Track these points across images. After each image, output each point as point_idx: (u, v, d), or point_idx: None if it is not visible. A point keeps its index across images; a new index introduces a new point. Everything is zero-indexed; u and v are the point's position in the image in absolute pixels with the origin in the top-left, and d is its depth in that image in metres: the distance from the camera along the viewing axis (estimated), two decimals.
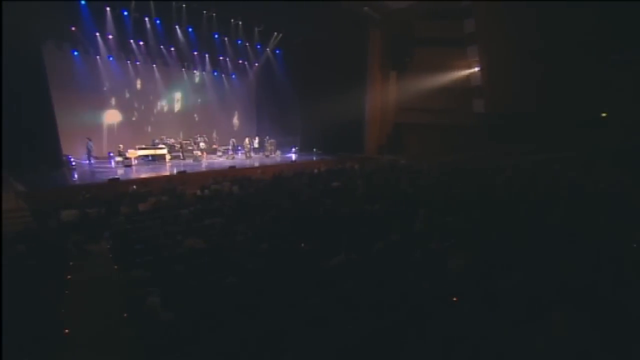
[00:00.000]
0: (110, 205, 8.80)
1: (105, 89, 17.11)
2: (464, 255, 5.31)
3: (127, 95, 18.01)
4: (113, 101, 17.51)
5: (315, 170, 13.84)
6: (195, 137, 18.94)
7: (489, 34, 16.35)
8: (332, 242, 6.08)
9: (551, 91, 14.59)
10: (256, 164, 15.78)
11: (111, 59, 16.91)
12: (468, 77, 17.63)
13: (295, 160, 17.45)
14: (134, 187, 10.56)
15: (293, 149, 20.60)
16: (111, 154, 15.89)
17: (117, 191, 10.14)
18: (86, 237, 7.21)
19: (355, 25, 18.17)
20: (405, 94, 18.86)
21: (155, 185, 11.09)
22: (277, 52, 20.81)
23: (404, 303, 4.18)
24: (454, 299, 4.57)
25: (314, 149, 20.30)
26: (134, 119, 18.37)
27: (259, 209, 8.80)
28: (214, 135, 19.74)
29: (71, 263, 6.35)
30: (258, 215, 8.28)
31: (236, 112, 21.90)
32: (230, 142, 18.91)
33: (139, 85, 18.30)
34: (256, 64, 21.18)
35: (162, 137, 18.06)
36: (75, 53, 15.91)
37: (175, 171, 13.39)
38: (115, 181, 11.32)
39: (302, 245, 5.96)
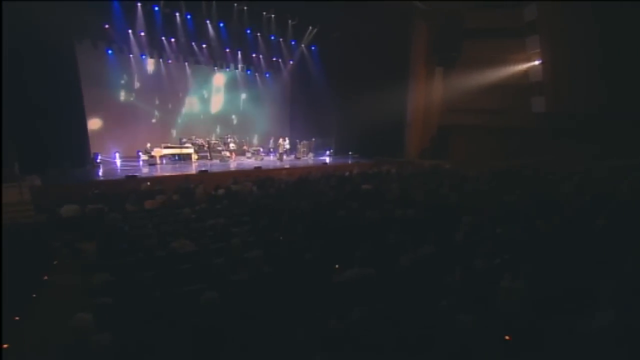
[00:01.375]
0: (116, 202, 8.32)
1: (137, 87, 17.27)
2: (523, 278, 4.00)
3: (159, 93, 18.06)
4: (145, 99, 17.61)
5: (347, 173, 12.93)
6: (226, 137, 18.65)
7: (553, 22, 14.52)
8: (348, 252, 4.98)
9: (624, 87, 12.53)
10: (286, 166, 15.20)
11: (144, 57, 17.03)
12: (526, 72, 15.78)
13: (327, 163, 16.52)
14: (148, 184, 10.15)
15: (327, 152, 19.88)
16: (140, 153, 15.89)
17: (129, 188, 9.75)
18: (81, 235, 6.62)
19: (398, 17, 17.00)
20: (452, 92, 17.30)
21: (171, 183, 10.67)
22: (313, 48, 20.14)
23: (433, 344, 3.00)
24: (507, 337, 3.33)
25: (350, 152, 19.39)
26: (164, 117, 18.38)
27: (272, 211, 7.93)
28: (246, 136, 19.33)
29: (55, 262, 5.77)
30: (269, 217, 7.40)
31: (269, 113, 21.40)
32: (261, 143, 18.44)
33: (171, 84, 18.27)
34: (291, 62, 20.58)
35: (192, 136, 17.92)
36: (110, 51, 16.14)
37: (196, 170, 12.93)
38: (131, 178, 11.06)
39: (307, 254, 4.90)
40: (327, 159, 18.58)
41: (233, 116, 20.42)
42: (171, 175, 12.13)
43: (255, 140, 20.54)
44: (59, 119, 13.08)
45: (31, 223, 7.12)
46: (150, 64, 17.40)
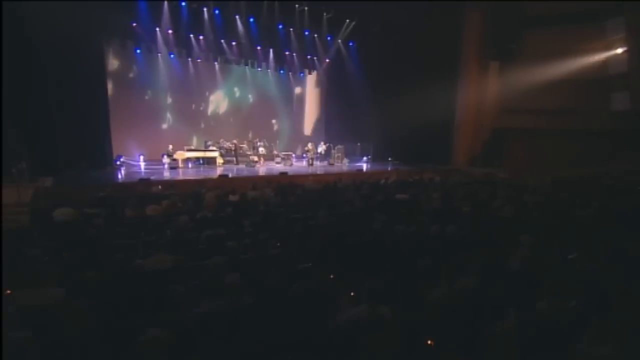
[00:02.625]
0: (119, 206, 7.84)
1: (165, 87, 17.31)
2: (613, 335, 2.73)
3: (187, 94, 18.01)
4: (172, 100, 17.63)
5: (382, 181, 11.85)
6: (255, 141, 18.30)
7: None
8: (358, 279, 3.94)
9: None
10: (315, 172, 14.54)
11: (172, 56, 17.04)
12: (604, 63, 13.81)
13: (361, 170, 15.50)
14: (159, 187, 9.72)
15: (364, 158, 18.94)
16: (164, 155, 15.76)
17: (139, 192, 9.35)
18: (63, 243, 6.07)
19: (446, 6, 15.71)
20: (509, 90, 15.68)
21: (184, 188, 10.22)
22: (350, 44, 19.29)
23: None
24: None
25: (389, 158, 18.26)
26: (192, 119, 18.33)
27: (284, 221, 7.05)
28: (276, 140, 18.97)
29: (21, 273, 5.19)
30: (278, 228, 6.52)
31: (303, 115, 20.90)
32: (293, 148, 17.85)
33: (200, 84, 18.23)
34: (327, 60, 19.88)
35: (220, 140, 17.64)
36: (138, 50, 16.28)
37: (217, 175, 12.47)
38: (144, 181, 10.73)
39: (303, 282, 3.90)
40: (364, 166, 17.69)
41: (264, 119, 20.06)
42: (186, 180, 11.80)
43: (287, 145, 19.91)
44: (82, 119, 13.24)
45: (19, 227, 6.71)
46: (178, 63, 17.37)
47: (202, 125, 18.56)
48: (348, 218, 7.05)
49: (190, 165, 15.27)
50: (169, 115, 17.55)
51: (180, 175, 13.13)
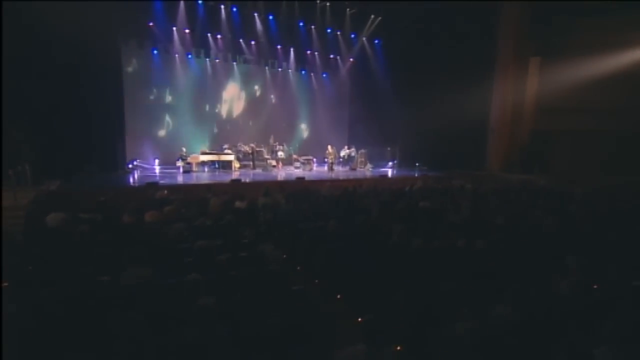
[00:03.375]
0: (118, 212, 7.53)
1: (182, 89, 17.14)
2: None
3: (205, 95, 17.83)
4: (190, 102, 17.44)
5: (407, 188, 11.11)
6: (275, 144, 17.91)
7: None
8: (363, 304, 3.30)
9: None
10: (336, 178, 14.05)
11: (190, 56, 16.93)
12: None
13: (386, 175, 14.83)
14: (165, 192, 9.40)
15: (390, 163, 18.36)
16: (179, 159, 15.61)
17: (143, 197, 9.06)
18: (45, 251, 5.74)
19: None
20: (552, 88, 14.59)
21: (192, 193, 9.84)
22: (376, 42, 18.74)
23: None
24: None
25: (417, 164, 17.59)
26: (210, 122, 18.11)
27: (291, 231, 6.50)
28: (296, 144, 18.67)
29: None
30: (281, 239, 5.98)
31: (326, 118, 20.27)
32: (314, 152, 17.39)
33: (218, 85, 18.03)
34: (350, 59, 19.39)
35: (238, 143, 17.36)
36: (155, 51, 16.27)
37: (230, 179, 12.16)
38: (151, 186, 10.46)
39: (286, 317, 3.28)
40: (389, 171, 17.05)
41: (285, 122, 19.67)
42: (195, 184, 11.50)
43: (308, 149, 19.43)
44: (96, 122, 13.17)
45: (7, 232, 6.44)
46: (196, 64, 17.21)
47: (220, 128, 18.31)
48: (361, 229, 6.39)
49: (206, 169, 15.07)
50: (186, 117, 17.35)
51: (192, 179, 12.85)
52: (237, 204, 8.67)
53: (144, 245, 5.36)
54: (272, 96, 19.30)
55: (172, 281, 3.93)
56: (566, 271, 4.05)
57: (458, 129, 15.54)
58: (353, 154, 17.70)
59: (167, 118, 16.92)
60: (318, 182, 12.21)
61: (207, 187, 10.32)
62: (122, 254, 4.72)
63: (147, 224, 6.90)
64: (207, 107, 17.98)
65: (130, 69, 15.43)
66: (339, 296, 4.84)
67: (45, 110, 11.77)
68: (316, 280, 5.58)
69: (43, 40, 11.49)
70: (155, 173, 14.29)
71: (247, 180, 12.43)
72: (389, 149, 18.54)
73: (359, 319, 4.08)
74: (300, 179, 12.80)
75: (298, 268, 6.24)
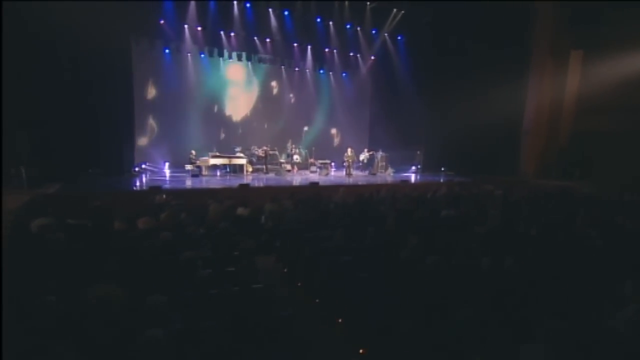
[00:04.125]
0: (106, 217, 7.20)
1: (195, 89, 17.07)
2: None
3: (218, 97, 17.72)
4: (202, 103, 17.34)
5: (429, 194, 10.45)
6: (291, 147, 17.59)
7: None
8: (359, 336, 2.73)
9: None
10: (353, 183, 13.67)
11: (203, 55, 16.83)
12: None
13: (407, 181, 14.21)
14: (164, 197, 9.11)
15: (413, 167, 17.94)
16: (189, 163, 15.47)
17: (137, 202, 8.80)
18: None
19: None
20: (596, 84, 13.60)
21: (194, 198, 9.52)
22: (399, 38, 18.14)
23: None
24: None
25: (442, 168, 17.24)
26: (223, 124, 17.97)
27: (291, 242, 6.00)
28: (313, 147, 18.17)
29: None
30: (278, 251, 5.47)
31: (345, 120, 19.87)
32: (333, 155, 17.18)
33: (232, 86, 17.88)
34: (371, 57, 18.87)
35: (252, 146, 17.07)
36: (167, 50, 16.20)
37: (238, 184, 11.86)
38: (154, 190, 10.23)
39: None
40: (412, 176, 16.47)
41: (302, 124, 19.37)
42: (199, 189, 11.29)
43: (326, 152, 18.95)
44: (104, 123, 13.18)
45: None
46: (209, 63, 17.10)
47: (234, 130, 18.12)
48: (371, 240, 5.80)
49: (218, 173, 14.92)
50: (198, 119, 17.21)
51: (201, 184, 12.59)
52: (240, 210, 8.27)
53: (122, 257, 4.95)
54: (288, 97, 19.08)
55: (133, 303, 3.45)
56: (621, 300, 3.34)
57: (488, 131, 15.04)
58: (373, 157, 17.18)
59: (179, 119, 16.76)
60: (332, 188, 11.70)
61: (211, 193, 10.02)
62: (92, 267, 4.31)
63: (137, 232, 6.53)
64: (221, 109, 17.87)
65: (141, 69, 15.35)
66: (339, 320, 4.30)
67: (51, 111, 11.78)
68: (317, 300, 5.05)
69: (49, 39, 11.50)
70: (163, 177, 14.17)
71: (257, 185, 12.18)
72: (415, 152, 18.11)
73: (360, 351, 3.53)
74: (314, 184, 12.34)
75: (299, 284, 5.74)
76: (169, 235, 5.59)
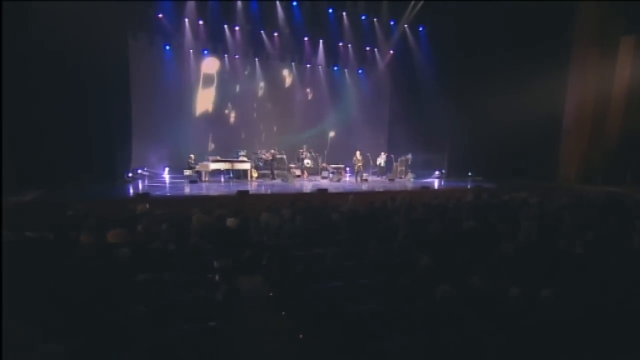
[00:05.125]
0: (75, 229, 6.66)
1: (199, 88, 16.81)
2: None
3: (223, 97, 17.37)
4: (206, 103, 17.06)
5: (452, 203, 9.60)
6: (301, 151, 17.10)
7: None
8: None
9: None
10: (363, 189, 13.04)
11: (206, 52, 16.52)
12: None
13: (428, 187, 13.45)
14: (147, 206, 8.54)
15: (436, 172, 17.34)
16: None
17: (118, 211, 8.25)
18: None
19: None
20: None
21: (184, 207, 8.96)
22: (420, 29, 17.48)
23: None
24: None
25: (469, 173, 16.76)
26: (229, 126, 17.61)
27: (279, 261, 5.26)
28: (325, 150, 17.61)
29: None
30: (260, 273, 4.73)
31: (362, 121, 19.25)
32: (348, 159, 16.49)
33: (237, 85, 17.52)
34: (390, 51, 18.27)
35: (259, 150, 16.67)
36: (167, 47, 15.91)
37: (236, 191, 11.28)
38: (142, 197, 9.80)
39: None
40: (435, 182, 15.81)
41: (314, 125, 18.83)
42: (191, 197, 10.80)
43: (341, 156, 18.29)
44: (97, 126, 12.85)
45: None
46: (213, 61, 16.82)
47: (239, 132, 17.72)
48: (372, 260, 4.98)
49: (222, 178, 14.52)
50: (201, 120, 16.93)
51: (197, 190, 12.14)
52: (230, 221, 7.62)
53: (59, 280, 4.29)
54: (299, 96, 18.64)
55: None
56: None
57: (522, 131, 14.52)
58: (392, 161, 16.58)
59: (180, 121, 16.42)
60: (341, 196, 10.99)
61: (203, 201, 9.43)
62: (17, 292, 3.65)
63: (102, 246, 5.92)
64: (225, 109, 17.52)
65: (139, 67, 14.93)
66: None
67: (40, 112, 11.41)
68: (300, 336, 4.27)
69: (38, 34, 11.11)
70: (160, 183, 13.79)
71: (257, 192, 11.69)
72: (438, 155, 17.59)
73: None
74: (322, 191, 11.69)
75: (283, 313, 4.97)
76: (126, 253, 4.91)
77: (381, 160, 16.33)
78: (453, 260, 4.62)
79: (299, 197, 10.37)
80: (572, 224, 6.83)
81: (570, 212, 7.61)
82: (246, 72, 17.55)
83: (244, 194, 10.89)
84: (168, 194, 10.98)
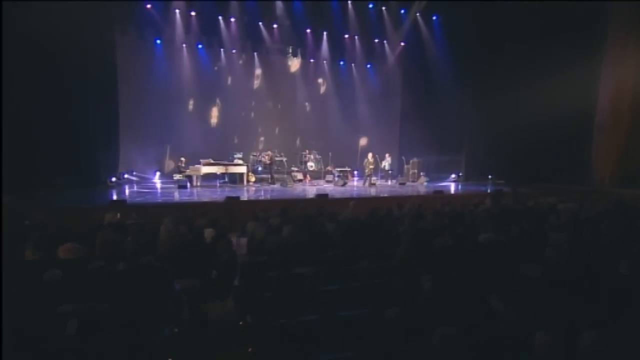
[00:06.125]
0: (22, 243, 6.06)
1: (193, 86, 16.40)
2: None
3: (220, 94, 17.01)
4: (201, 102, 16.73)
5: (468, 209, 8.92)
6: (304, 153, 16.77)
7: None
8: None
9: None
10: (376, 193, 12.73)
11: (200, 46, 16.18)
12: None
13: (442, 192, 12.79)
14: (118, 215, 8.00)
15: (452, 175, 17.16)
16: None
17: (84, 220, 7.63)
18: None
19: None
20: None
21: (161, 216, 8.21)
22: (434, 18, 17.04)
23: None
24: None
25: (490, 176, 16.59)
26: (227, 127, 17.20)
27: (247, 283, 4.56)
28: (330, 152, 17.12)
29: None
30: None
31: (371, 120, 18.84)
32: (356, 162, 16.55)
33: (235, 82, 17.12)
34: (401, 43, 17.85)
35: (258, 152, 16.36)
36: (158, 41, 15.56)
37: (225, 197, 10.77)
38: (116, 205, 9.24)
39: None
40: (451, 186, 15.51)
41: (319, 125, 18.42)
42: (170, 204, 10.24)
43: (348, 158, 18.01)
44: (81, 127, 12.54)
45: None
46: (208, 56, 16.45)
47: (236, 134, 17.29)
48: (362, 282, 4.21)
49: (218, 183, 14.21)
50: (195, 120, 16.54)
51: (187, 196, 11.66)
52: (207, 233, 6.92)
53: None
54: (302, 94, 18.19)
55: None
56: None
57: (549, 128, 14.11)
58: (403, 164, 16.40)
59: (173, 121, 16.10)
60: (342, 202, 10.37)
61: (184, 208, 8.84)
62: None
63: (35, 265, 5.28)
64: (221, 108, 17.15)
65: (127, 63, 14.70)
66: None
67: (17, 112, 10.95)
68: None
69: (15, 27, 10.69)
70: (150, 188, 13.40)
71: (249, 199, 11.23)
72: (454, 156, 17.40)
73: None
74: (322, 197, 11.10)
75: (249, 350, 4.19)
76: (57, 275, 4.20)
77: (386, 163, 15.75)
78: (462, 285, 3.81)
79: (294, 204, 9.71)
80: (613, 235, 5.95)
81: (609, 221, 6.71)
82: (244, 68, 17.17)
83: (233, 200, 10.28)
84: (149, 201, 10.50)
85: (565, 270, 4.36)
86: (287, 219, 8.02)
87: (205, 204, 10.17)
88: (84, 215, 8.17)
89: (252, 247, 6.88)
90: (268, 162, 15.08)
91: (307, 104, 18.26)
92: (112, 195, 11.49)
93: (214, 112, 16.90)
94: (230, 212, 9.52)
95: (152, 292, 4.41)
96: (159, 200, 10.70)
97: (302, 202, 10.11)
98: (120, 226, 7.34)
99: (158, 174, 15.28)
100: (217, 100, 16.90)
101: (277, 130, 17.91)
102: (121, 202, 9.48)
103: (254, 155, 16.08)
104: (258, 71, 17.29)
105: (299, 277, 4.39)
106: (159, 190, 13.01)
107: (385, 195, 12.36)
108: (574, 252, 4.99)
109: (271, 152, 15.36)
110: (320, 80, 18.30)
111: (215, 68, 16.61)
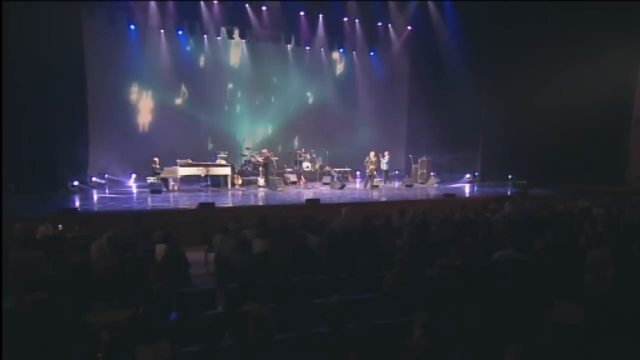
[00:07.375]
0: None
1: (172, 77, 15.87)
2: None
3: (204, 87, 16.46)
4: (182, 96, 16.25)
5: (483, 217, 8.24)
6: (299, 153, 16.33)
7: None
8: None
9: None
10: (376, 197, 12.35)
11: (180, 32, 15.55)
12: None
13: (454, 195, 12.20)
14: (59, 227, 7.41)
15: (467, 175, 16.67)
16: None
17: (15, 235, 6.87)
18: None
19: None
20: None
21: (112, 225, 7.51)
22: (446, 1, 16.45)
23: None
24: None
25: (509, 176, 16.17)
26: (209, 122, 16.59)
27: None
28: (326, 151, 16.78)
29: None
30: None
31: (375, 115, 18.47)
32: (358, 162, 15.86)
33: (221, 73, 16.66)
34: (408, 28, 17.28)
35: (246, 152, 15.70)
36: (132, 27, 14.94)
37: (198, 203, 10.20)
38: (66, 213, 8.56)
39: None
40: (466, 187, 15.29)
41: (316, 121, 17.97)
42: (128, 212, 9.54)
43: (349, 158, 17.73)
44: (42, 125, 12.18)
45: None
46: (189, 43, 15.94)
47: (222, 131, 16.76)
48: (331, 325, 3.32)
49: (200, 186, 13.76)
50: (176, 116, 16.00)
51: (160, 202, 11.13)
52: (158, 249, 6.14)
53: None
54: (297, 86, 17.74)
55: None
56: None
57: (578, 123, 14.22)
58: (410, 163, 15.94)
59: (151, 118, 15.73)
60: (334, 208, 9.75)
61: (138, 217, 8.07)
62: None
63: None
64: (206, 102, 16.58)
65: (97, 51, 14.04)
66: None
67: None
68: None
69: None
70: (121, 193, 12.87)
71: (226, 205, 10.59)
72: (469, 154, 17.06)
73: None
74: (312, 202, 10.52)
75: None
76: None
77: (383, 161, 15.16)
78: (466, 334, 2.88)
79: (276, 212, 8.98)
80: None
81: None
82: (230, 57, 16.70)
83: (207, 207, 9.58)
84: (105, 209, 9.89)
85: (612, 304, 3.41)
86: (263, 230, 7.29)
87: (171, 212, 9.60)
88: (18, 227, 7.41)
89: (219, 265, 6.44)
90: (262, 162, 14.46)
91: (302, 96, 17.81)
92: (74, 202, 11.00)
93: (196, 106, 16.29)
94: (203, 221, 8.78)
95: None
96: (118, 209, 10.05)
97: (285, 210, 9.38)
98: (53, 242, 6.62)
99: (134, 176, 14.59)
100: (199, 93, 16.35)
101: (268, 126, 17.43)
102: (70, 210, 8.87)
103: (243, 155, 15.50)
104: (246, 60, 16.74)
105: (243, 318, 3.49)
106: (132, 196, 12.46)
107: (386, 199, 11.87)
108: (621, 277, 4.03)
109: (265, 150, 14.71)
110: (316, 70, 17.76)
111: (202, 58, 16.17)
